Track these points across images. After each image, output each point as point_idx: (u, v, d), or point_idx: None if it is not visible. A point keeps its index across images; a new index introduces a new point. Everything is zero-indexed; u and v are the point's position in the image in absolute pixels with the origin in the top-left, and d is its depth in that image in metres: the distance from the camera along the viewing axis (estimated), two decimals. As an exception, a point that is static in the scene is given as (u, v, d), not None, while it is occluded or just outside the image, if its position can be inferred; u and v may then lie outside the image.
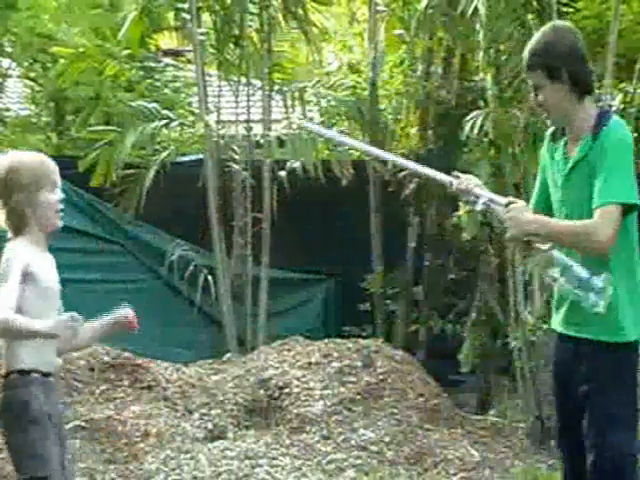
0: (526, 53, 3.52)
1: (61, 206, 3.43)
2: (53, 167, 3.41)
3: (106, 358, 6.55)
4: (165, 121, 8.39)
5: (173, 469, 5.49)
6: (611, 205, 3.29)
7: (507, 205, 3.43)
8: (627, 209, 3.34)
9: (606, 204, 3.30)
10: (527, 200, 3.72)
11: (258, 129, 8.53)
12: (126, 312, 3.50)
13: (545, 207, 3.60)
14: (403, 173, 8.15)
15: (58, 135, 11.05)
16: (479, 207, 3.53)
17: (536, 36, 3.54)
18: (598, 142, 3.40)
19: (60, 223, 3.46)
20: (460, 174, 3.63)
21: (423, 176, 3.98)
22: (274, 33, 8.40)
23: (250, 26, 8.38)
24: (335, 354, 6.88)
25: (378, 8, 8.70)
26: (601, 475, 3.40)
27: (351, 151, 8.78)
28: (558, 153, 3.56)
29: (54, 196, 3.38)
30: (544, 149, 3.68)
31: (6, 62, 11.22)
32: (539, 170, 3.72)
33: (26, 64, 11.16)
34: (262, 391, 6.52)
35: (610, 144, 3.38)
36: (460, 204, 7.37)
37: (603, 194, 3.31)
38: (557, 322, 3.59)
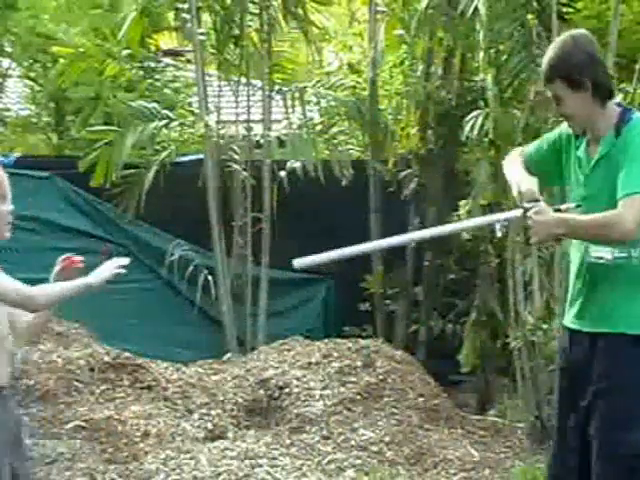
0: (545, 65, 3.50)
1: (10, 218, 3.38)
2: (2, 177, 3.35)
3: (106, 358, 6.55)
4: (165, 121, 8.39)
5: (173, 469, 5.48)
6: (635, 195, 3.29)
7: (525, 212, 3.40)
8: None
9: (629, 195, 3.29)
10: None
11: (258, 129, 8.53)
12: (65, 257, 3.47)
13: (534, 166, 3.63)
14: (403, 173, 8.17)
15: (58, 135, 11.06)
16: (499, 233, 3.56)
17: (553, 47, 3.51)
18: (621, 139, 3.42)
19: (8, 235, 3.41)
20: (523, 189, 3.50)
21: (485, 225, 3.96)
22: (274, 33, 8.40)
23: (250, 26, 8.38)
24: (335, 354, 6.89)
25: (378, 8, 8.70)
26: (615, 475, 3.39)
27: (351, 151, 8.81)
28: (581, 150, 3.56)
29: (3, 207, 3.36)
30: (565, 138, 3.64)
31: (6, 62, 11.23)
32: (551, 138, 3.70)
33: (26, 64, 11.17)
34: (262, 391, 6.52)
35: (632, 139, 3.39)
36: (460, 204, 7.40)
37: (626, 185, 3.32)
38: (570, 318, 3.59)
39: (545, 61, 3.50)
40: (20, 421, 3.53)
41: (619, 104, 3.57)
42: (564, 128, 3.65)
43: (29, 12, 10.42)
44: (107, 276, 3.27)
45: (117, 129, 8.31)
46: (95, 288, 3.29)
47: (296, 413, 6.26)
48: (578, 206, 3.45)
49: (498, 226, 3.54)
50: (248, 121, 8.39)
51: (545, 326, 6.42)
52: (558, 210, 3.43)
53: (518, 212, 3.45)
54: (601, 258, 3.44)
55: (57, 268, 3.48)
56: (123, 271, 3.29)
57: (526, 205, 3.41)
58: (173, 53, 12.17)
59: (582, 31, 3.65)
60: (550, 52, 3.50)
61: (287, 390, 6.46)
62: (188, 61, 11.46)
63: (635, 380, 3.40)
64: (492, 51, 6.78)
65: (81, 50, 9.30)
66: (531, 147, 3.81)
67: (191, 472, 5.43)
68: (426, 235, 4.15)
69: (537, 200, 3.42)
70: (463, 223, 3.80)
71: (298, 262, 3.56)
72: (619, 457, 3.37)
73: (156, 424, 5.98)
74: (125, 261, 3.29)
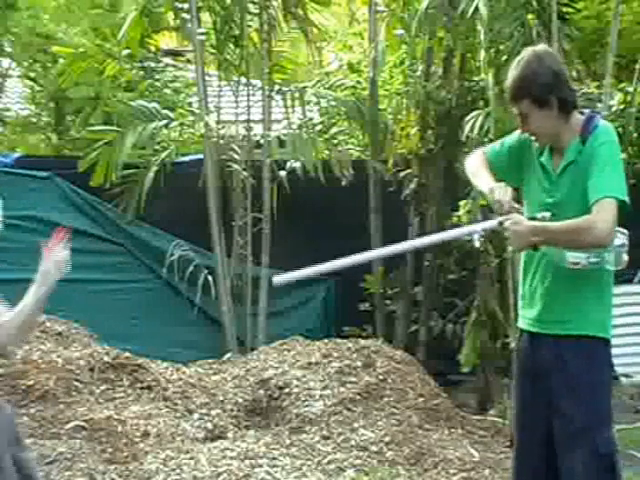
0: (510, 83, 3.52)
1: None
2: None
3: (106, 358, 6.55)
4: (165, 121, 8.39)
5: (173, 469, 5.48)
6: (607, 199, 3.32)
7: (501, 224, 3.45)
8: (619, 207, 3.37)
9: (602, 199, 3.33)
10: (525, 205, 3.74)
11: (258, 129, 8.54)
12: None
13: (494, 170, 3.68)
14: (403, 173, 8.17)
15: (58, 135, 11.06)
16: (477, 244, 3.61)
17: (518, 66, 3.52)
18: (588, 146, 3.46)
19: None
20: (496, 192, 3.55)
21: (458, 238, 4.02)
22: (274, 33, 8.40)
23: (250, 26, 8.39)
24: (335, 354, 6.89)
25: (378, 8, 8.70)
26: (597, 473, 3.41)
27: (351, 151, 8.81)
28: (544, 157, 3.60)
29: None
30: (525, 144, 3.68)
31: (6, 62, 11.24)
32: (510, 143, 3.74)
33: (26, 64, 11.17)
34: (262, 391, 6.52)
35: (599, 146, 3.43)
36: (460, 204, 7.40)
37: (596, 191, 3.35)
38: (529, 321, 3.63)
39: (510, 80, 3.52)
40: (13, 421, 3.54)
41: (582, 111, 3.59)
42: (530, 142, 3.66)
43: (29, 12, 10.42)
44: (56, 277, 3.23)
45: (117, 129, 8.31)
46: (49, 292, 3.25)
47: (296, 413, 6.26)
48: (553, 215, 3.47)
49: (476, 236, 3.58)
50: (248, 121, 8.39)
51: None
52: (533, 219, 3.47)
53: (494, 222, 3.49)
54: (577, 263, 3.46)
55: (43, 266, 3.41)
56: (68, 268, 3.25)
57: (502, 217, 3.45)
58: (173, 53, 12.18)
59: (545, 47, 3.70)
60: (515, 71, 3.51)
61: (287, 390, 6.45)
62: (188, 61, 11.48)
63: (601, 378, 3.47)
64: (492, 51, 6.78)
65: (81, 50, 9.31)
66: (489, 151, 3.83)
67: (191, 472, 5.43)
68: (406, 247, 4.17)
69: (515, 208, 3.47)
70: (442, 234, 3.87)
71: (277, 279, 3.59)
72: (599, 456, 3.41)
73: (156, 424, 5.98)
74: (64, 253, 3.22)
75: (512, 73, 3.52)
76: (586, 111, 3.60)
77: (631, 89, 7.53)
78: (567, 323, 3.49)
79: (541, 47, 3.68)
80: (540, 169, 3.60)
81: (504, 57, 6.77)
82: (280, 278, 3.58)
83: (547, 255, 3.51)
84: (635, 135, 8.14)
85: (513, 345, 6.73)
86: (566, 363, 3.46)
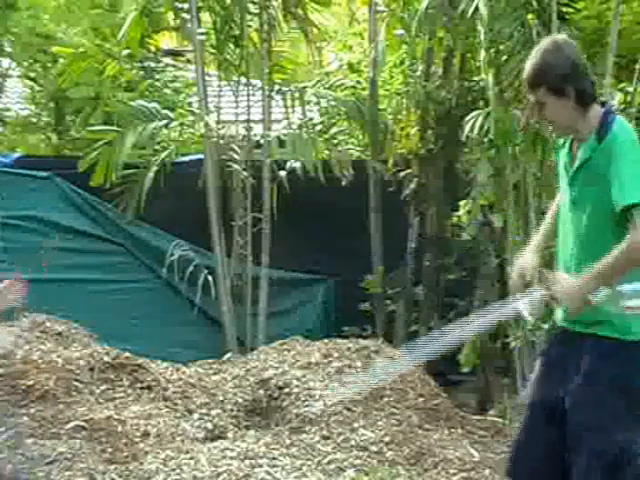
0: (528, 71, 3.51)
1: None
2: None
3: (106, 358, 6.55)
4: (165, 121, 8.39)
5: (173, 469, 5.48)
6: (635, 209, 3.29)
7: (548, 289, 3.40)
8: None
9: (631, 208, 3.29)
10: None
11: (258, 129, 8.53)
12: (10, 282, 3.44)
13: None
14: (403, 173, 8.17)
15: (58, 135, 11.06)
16: (528, 316, 3.54)
17: (536, 53, 3.52)
18: (605, 146, 3.42)
19: None
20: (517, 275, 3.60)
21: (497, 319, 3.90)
22: (274, 33, 8.40)
23: (250, 26, 8.38)
24: (335, 354, 6.88)
25: (378, 8, 8.70)
26: (598, 470, 3.41)
27: (351, 151, 8.80)
28: (565, 152, 3.58)
29: None
30: (557, 148, 3.70)
31: (6, 62, 11.23)
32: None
33: (26, 64, 11.17)
34: (262, 391, 6.51)
35: (618, 145, 3.39)
36: (460, 204, 7.41)
37: (626, 196, 3.32)
38: (559, 318, 3.63)
39: (528, 67, 3.51)
40: None
41: (603, 103, 3.57)
42: (555, 148, 3.69)
43: (29, 12, 10.42)
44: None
45: (117, 129, 8.31)
46: None
47: (296, 413, 6.25)
48: (572, 212, 3.47)
49: (526, 313, 3.50)
50: (248, 121, 8.39)
51: (545, 326, 6.42)
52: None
53: (538, 293, 3.45)
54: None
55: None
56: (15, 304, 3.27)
57: (546, 278, 3.41)
58: (173, 53, 12.18)
59: (565, 37, 3.67)
60: (533, 58, 3.51)
61: (287, 390, 6.45)
62: (188, 61, 11.48)
63: (623, 380, 3.43)
64: (492, 51, 6.78)
65: (81, 50, 9.30)
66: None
67: (191, 472, 5.42)
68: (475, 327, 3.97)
69: (542, 274, 3.48)
70: (488, 317, 3.72)
71: (332, 395, 3.53)
72: (604, 454, 3.40)
73: (156, 424, 5.98)
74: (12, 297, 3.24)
75: (531, 61, 3.51)
76: (606, 104, 3.57)
77: (631, 89, 7.52)
78: (597, 325, 3.47)
79: (561, 37, 3.65)
80: (564, 165, 3.60)
81: (504, 57, 6.77)
82: (336, 393, 3.49)
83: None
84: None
85: (513, 345, 6.75)
86: (590, 359, 3.44)
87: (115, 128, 8.41)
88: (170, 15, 9.15)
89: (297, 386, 6.46)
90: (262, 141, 8.32)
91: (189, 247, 8.23)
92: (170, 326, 8.24)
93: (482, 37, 6.70)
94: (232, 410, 6.37)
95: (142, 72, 10.44)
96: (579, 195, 3.50)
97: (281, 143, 8.47)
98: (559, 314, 3.64)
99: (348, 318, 8.32)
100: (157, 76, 10.73)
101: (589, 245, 3.48)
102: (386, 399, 6.45)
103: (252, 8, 8.37)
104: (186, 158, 8.76)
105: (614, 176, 3.35)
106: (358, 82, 9.09)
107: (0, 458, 4.95)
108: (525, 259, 3.67)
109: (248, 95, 8.39)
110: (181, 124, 8.94)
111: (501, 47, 6.79)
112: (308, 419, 6.17)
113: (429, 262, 8.20)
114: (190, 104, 10.08)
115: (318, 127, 8.69)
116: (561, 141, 3.69)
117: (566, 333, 3.60)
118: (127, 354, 6.71)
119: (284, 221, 8.09)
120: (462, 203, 7.35)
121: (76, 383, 6.24)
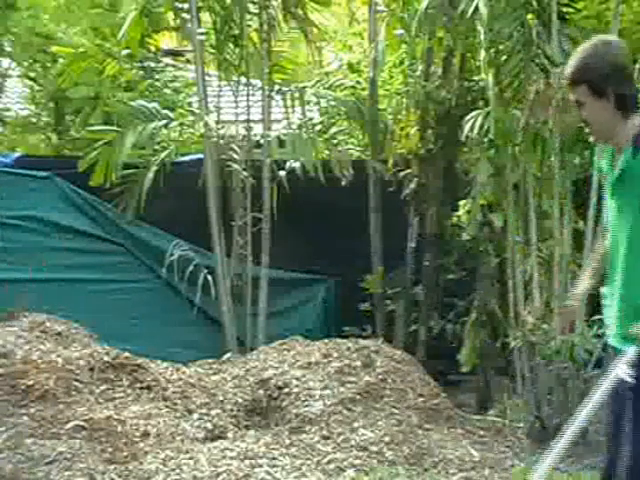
0: (571, 67, 3.46)
1: None
2: None
3: (106, 358, 6.55)
4: (165, 121, 8.39)
5: (173, 469, 5.48)
6: None
7: (635, 343, 3.35)
8: None
9: None
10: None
11: (258, 129, 8.53)
12: None
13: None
14: (403, 173, 8.17)
15: (58, 135, 11.06)
16: (628, 379, 3.41)
17: (583, 50, 3.47)
18: (638, 160, 3.36)
19: None
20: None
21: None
22: (274, 33, 8.40)
23: (250, 26, 8.38)
24: (335, 354, 6.88)
25: (378, 8, 8.70)
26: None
27: (351, 151, 8.80)
28: (606, 161, 3.56)
29: None
30: (598, 158, 3.66)
31: (6, 62, 11.23)
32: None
33: (26, 64, 11.17)
34: (262, 391, 6.52)
35: None
36: (460, 204, 7.41)
37: None
38: (612, 338, 3.60)
39: (572, 63, 3.47)
40: None
41: None
42: (598, 151, 3.63)
43: (29, 12, 10.42)
44: None
45: (117, 129, 8.31)
46: None
47: (296, 413, 6.26)
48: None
49: (628, 378, 3.41)
50: (248, 121, 8.39)
51: (545, 326, 6.42)
52: None
53: (632, 350, 3.38)
54: None
55: None
56: None
57: (631, 333, 3.35)
58: (173, 53, 12.18)
59: (615, 38, 3.61)
60: (579, 55, 3.46)
61: (287, 390, 6.45)
62: (188, 61, 11.48)
63: None
64: (492, 51, 6.77)
65: (81, 50, 9.31)
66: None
67: (191, 472, 5.42)
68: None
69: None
70: (598, 393, 3.60)
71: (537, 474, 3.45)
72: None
73: (156, 424, 5.98)
74: None
75: (575, 57, 3.47)
76: None
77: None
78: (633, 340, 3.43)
79: (611, 37, 3.60)
80: (607, 173, 3.56)
81: (504, 57, 6.77)
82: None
83: None
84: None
85: (513, 345, 6.75)
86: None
87: (115, 128, 8.41)
88: (170, 15, 9.15)
89: (297, 386, 6.46)
90: (262, 141, 8.32)
91: (189, 247, 8.23)
92: (170, 326, 8.24)
93: (482, 37, 6.70)
94: (232, 410, 6.38)
95: (142, 72, 10.44)
96: (621, 204, 3.45)
97: (281, 143, 8.46)
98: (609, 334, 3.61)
99: (348, 318, 8.32)
100: (157, 76, 10.73)
101: (637, 249, 3.44)
102: (386, 399, 6.46)
103: (252, 8, 8.36)
104: (186, 158, 8.76)
105: None
106: (358, 82, 9.08)
107: (0, 458, 4.95)
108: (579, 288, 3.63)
109: (248, 95, 8.38)
110: (181, 124, 8.94)
111: (501, 47, 6.79)
112: (308, 419, 6.18)
113: (429, 262, 8.20)
114: (190, 104, 10.08)
115: (318, 127, 8.69)
116: (602, 147, 3.63)
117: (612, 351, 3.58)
118: (127, 354, 6.71)
119: (284, 221, 8.09)
120: (462, 203, 7.35)
121: (76, 383, 6.24)
